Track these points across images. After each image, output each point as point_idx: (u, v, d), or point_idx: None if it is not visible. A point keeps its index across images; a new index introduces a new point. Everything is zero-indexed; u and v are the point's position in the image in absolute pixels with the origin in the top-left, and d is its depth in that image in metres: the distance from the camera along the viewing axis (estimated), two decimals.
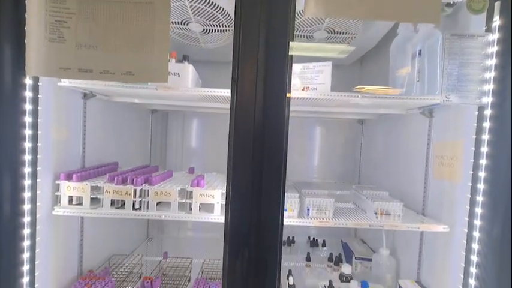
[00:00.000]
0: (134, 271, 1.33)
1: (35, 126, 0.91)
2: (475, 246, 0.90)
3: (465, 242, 0.93)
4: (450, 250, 1.01)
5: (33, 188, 0.92)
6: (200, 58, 1.70)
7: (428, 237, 1.14)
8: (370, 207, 1.05)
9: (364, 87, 1.96)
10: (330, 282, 1.26)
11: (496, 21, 0.87)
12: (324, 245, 1.75)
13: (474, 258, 0.91)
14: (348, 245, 1.65)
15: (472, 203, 0.92)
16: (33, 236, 0.94)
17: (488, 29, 0.89)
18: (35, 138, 0.91)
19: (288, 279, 1.27)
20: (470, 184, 0.92)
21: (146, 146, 1.83)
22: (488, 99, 0.88)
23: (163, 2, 0.81)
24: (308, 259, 1.52)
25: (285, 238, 1.74)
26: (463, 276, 0.94)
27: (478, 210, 0.90)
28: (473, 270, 0.91)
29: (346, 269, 1.32)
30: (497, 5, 0.87)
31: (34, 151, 0.91)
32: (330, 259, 1.52)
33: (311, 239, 1.78)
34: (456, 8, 1.00)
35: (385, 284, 1.26)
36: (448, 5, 0.97)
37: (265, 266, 0.85)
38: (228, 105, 0.76)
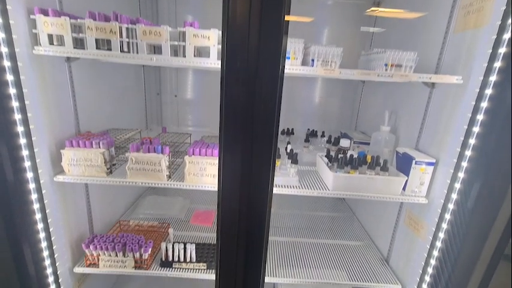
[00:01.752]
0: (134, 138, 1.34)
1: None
2: (489, 91, 0.84)
3: (478, 90, 0.87)
4: (458, 106, 0.96)
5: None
6: None
7: (436, 100, 1.09)
8: (380, 59, 0.96)
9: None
10: (328, 150, 1.27)
11: None
12: (323, 135, 1.74)
13: (480, 117, 0.85)
14: (347, 134, 1.65)
15: (492, 57, 0.82)
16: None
17: None
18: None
19: (286, 149, 1.28)
20: (495, 36, 0.81)
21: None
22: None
23: None
24: (307, 141, 1.53)
25: (283, 127, 1.73)
26: (462, 139, 0.91)
27: (497, 64, 0.81)
28: (475, 129, 0.86)
29: (344, 142, 1.32)
30: None
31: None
32: (328, 141, 1.52)
33: (310, 130, 1.77)
34: None
35: (382, 156, 1.27)
36: None
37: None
38: None
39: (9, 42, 0.81)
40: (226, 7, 0.68)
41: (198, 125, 1.95)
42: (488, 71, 0.84)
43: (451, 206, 0.95)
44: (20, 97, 0.85)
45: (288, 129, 1.75)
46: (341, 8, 1.72)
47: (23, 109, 0.86)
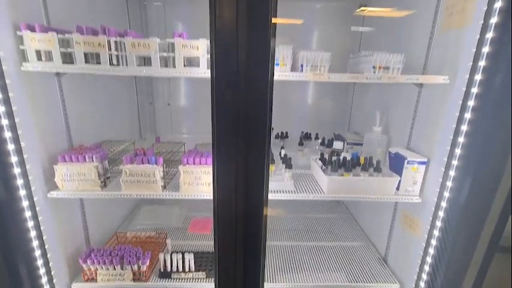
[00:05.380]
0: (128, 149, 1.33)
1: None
2: (474, 90, 0.86)
3: (464, 89, 0.89)
4: (446, 105, 0.98)
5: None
6: None
7: (425, 100, 1.11)
8: (368, 62, 0.97)
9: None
10: (321, 154, 1.28)
11: None
12: (317, 137, 1.75)
13: (468, 115, 0.87)
14: (341, 135, 1.66)
15: (476, 56, 0.84)
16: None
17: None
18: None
19: (280, 153, 1.28)
20: (478, 36, 0.83)
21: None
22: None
23: None
24: (301, 144, 1.54)
25: (278, 132, 1.74)
26: (452, 137, 0.93)
27: (482, 63, 0.83)
28: (464, 128, 0.88)
29: (337, 144, 1.34)
30: None
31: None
32: (322, 143, 1.53)
33: (304, 133, 1.78)
34: None
35: (375, 157, 1.29)
36: None
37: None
38: None
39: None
40: (213, 13, 0.69)
41: (192, 132, 1.95)
42: (473, 70, 0.86)
43: (444, 204, 0.96)
44: (10, 115, 0.84)
45: (282, 132, 1.75)
46: (329, 11, 1.74)
47: (13, 127, 0.85)
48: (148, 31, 1.76)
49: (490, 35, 0.81)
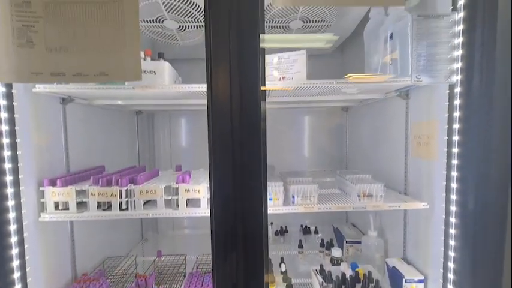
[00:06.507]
0: (129, 272, 1.34)
1: (12, 134, 0.91)
2: (453, 219, 0.94)
3: (444, 216, 0.97)
4: (431, 225, 1.05)
5: (17, 196, 0.92)
6: (181, 56, 1.70)
7: (411, 215, 1.18)
8: (353, 190, 1.08)
9: (351, 76, 1.98)
10: (321, 266, 1.29)
11: (461, 0, 0.89)
12: (316, 232, 1.78)
13: (452, 231, 0.94)
14: (339, 230, 1.69)
15: (448, 178, 0.95)
16: (21, 243, 0.95)
17: (455, 8, 0.91)
18: (13, 147, 0.91)
19: (280, 266, 1.30)
20: (446, 161, 0.96)
21: (134, 148, 1.83)
22: (457, 77, 0.90)
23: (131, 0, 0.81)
24: (300, 246, 1.56)
25: (278, 228, 1.77)
26: (443, 249, 0.98)
27: (454, 185, 0.94)
28: (452, 242, 0.95)
29: (336, 252, 1.36)
30: None
31: (14, 159, 0.91)
32: (321, 245, 1.55)
33: (303, 227, 1.81)
34: None
35: (374, 264, 1.30)
36: None
37: (253, 254, 0.87)
38: None
39: (18, 207, 0.90)
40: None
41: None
42: (448, 194, 0.95)
43: None
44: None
45: (281, 228, 1.79)
46: (316, 116, 1.96)
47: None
48: (155, 138, 1.95)
49: (454, 173, 0.93)
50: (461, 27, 0.89)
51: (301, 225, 1.83)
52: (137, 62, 0.81)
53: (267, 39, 0.81)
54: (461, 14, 0.89)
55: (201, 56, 0.77)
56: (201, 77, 0.78)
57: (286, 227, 1.80)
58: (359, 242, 1.53)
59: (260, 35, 0.79)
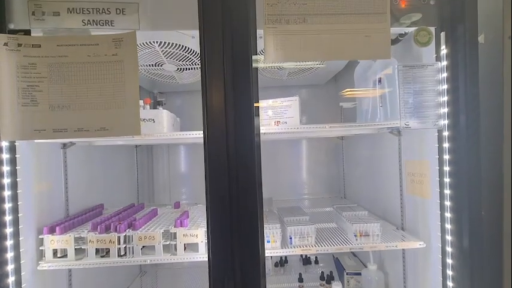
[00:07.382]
0: None
1: (14, 185, 0.93)
2: (449, 261, 0.95)
3: (440, 256, 0.97)
4: (429, 264, 1.05)
5: (16, 247, 0.92)
6: (180, 89, 1.75)
7: (410, 252, 1.19)
8: (350, 228, 1.09)
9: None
10: None
11: (443, 50, 0.94)
12: (316, 261, 1.77)
13: (450, 272, 0.95)
14: (340, 261, 1.68)
15: (442, 219, 0.97)
16: None
17: (438, 57, 0.96)
18: (15, 198, 0.93)
19: None
20: (439, 201, 0.98)
21: (133, 180, 1.84)
22: (444, 122, 0.94)
23: (130, 59, 0.85)
24: (300, 280, 1.54)
25: (277, 259, 1.76)
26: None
27: (448, 226, 0.95)
28: (450, 284, 0.95)
29: (336, 287, 1.35)
30: (442, 35, 0.94)
31: (15, 210, 0.93)
32: (322, 277, 1.54)
33: (304, 256, 1.80)
34: (409, 37, 1.07)
35: None
36: (401, 35, 1.04)
37: None
38: None
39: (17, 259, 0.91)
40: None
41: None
42: (443, 235, 0.96)
43: None
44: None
45: (281, 258, 1.77)
46: (313, 143, 2.00)
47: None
48: (154, 169, 1.97)
49: (448, 214, 0.95)
50: (445, 74, 0.94)
51: (301, 256, 1.82)
52: (136, 117, 0.84)
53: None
54: (444, 63, 0.94)
55: (199, 89, 0.81)
56: (199, 107, 0.82)
57: (286, 257, 1.78)
58: (359, 274, 1.52)
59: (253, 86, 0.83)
